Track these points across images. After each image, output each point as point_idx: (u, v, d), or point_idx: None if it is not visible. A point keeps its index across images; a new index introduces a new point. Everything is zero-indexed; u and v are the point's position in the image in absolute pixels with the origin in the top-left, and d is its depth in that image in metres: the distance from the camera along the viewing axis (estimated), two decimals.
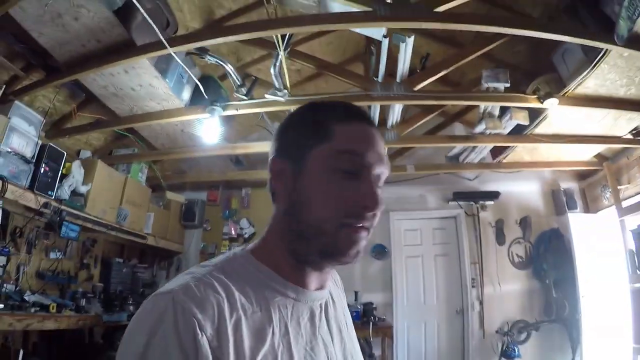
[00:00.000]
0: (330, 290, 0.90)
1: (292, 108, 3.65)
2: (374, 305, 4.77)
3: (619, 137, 4.23)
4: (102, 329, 4.19)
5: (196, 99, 3.63)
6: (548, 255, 4.93)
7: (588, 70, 3.17)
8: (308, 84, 4.80)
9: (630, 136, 4.20)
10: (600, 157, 4.85)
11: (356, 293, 4.71)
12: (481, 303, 5.06)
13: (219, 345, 0.63)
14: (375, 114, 3.90)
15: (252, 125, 4.91)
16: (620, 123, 3.97)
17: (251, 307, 0.71)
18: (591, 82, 3.32)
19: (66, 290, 3.89)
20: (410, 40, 3.08)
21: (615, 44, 2.75)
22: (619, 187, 4.60)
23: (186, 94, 3.61)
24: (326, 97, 3.59)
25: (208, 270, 0.73)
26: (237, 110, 3.60)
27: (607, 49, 2.89)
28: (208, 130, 3.77)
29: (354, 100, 3.47)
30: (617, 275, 4.42)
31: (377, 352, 4.57)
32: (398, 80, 3.45)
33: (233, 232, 5.12)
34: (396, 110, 3.87)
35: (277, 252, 0.78)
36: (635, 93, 3.48)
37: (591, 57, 3.14)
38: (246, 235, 5.10)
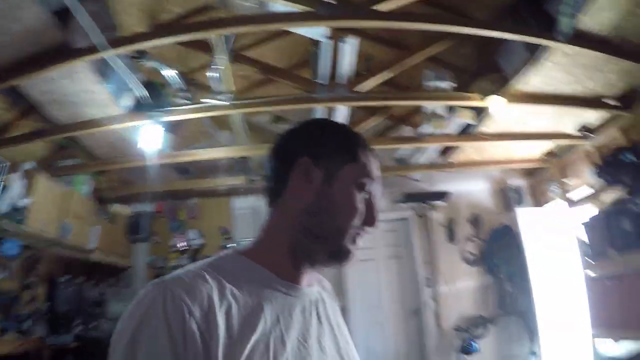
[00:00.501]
0: (321, 292, 1.00)
1: (235, 112, 3.75)
2: None
3: (565, 134, 4.48)
4: (50, 352, 4.12)
5: (138, 105, 3.65)
6: (500, 251, 5.17)
7: (531, 68, 3.34)
8: (257, 91, 4.88)
9: (575, 133, 4.44)
10: (547, 155, 5.10)
11: None
12: (436, 301, 5.25)
13: (208, 329, 0.68)
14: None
15: (199, 133, 4.99)
16: (565, 120, 4.21)
17: (242, 298, 0.77)
18: (535, 80, 3.50)
19: (9, 312, 3.76)
20: (352, 41, 3.21)
21: (558, 41, 2.92)
22: (566, 182, 4.87)
23: (128, 100, 3.64)
24: (270, 99, 3.73)
25: (200, 266, 0.80)
26: (179, 116, 3.69)
27: (549, 46, 3.06)
28: (149, 137, 3.78)
29: (298, 103, 3.64)
30: (569, 265, 4.65)
31: None
32: (342, 82, 3.57)
33: (181, 245, 5.10)
34: (341, 111, 3.98)
35: (275, 250, 0.88)
36: (579, 90, 3.69)
37: (535, 56, 3.30)
38: (195, 247, 5.10)
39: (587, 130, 4.45)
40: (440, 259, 5.39)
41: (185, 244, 5.13)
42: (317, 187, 0.87)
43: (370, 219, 0.89)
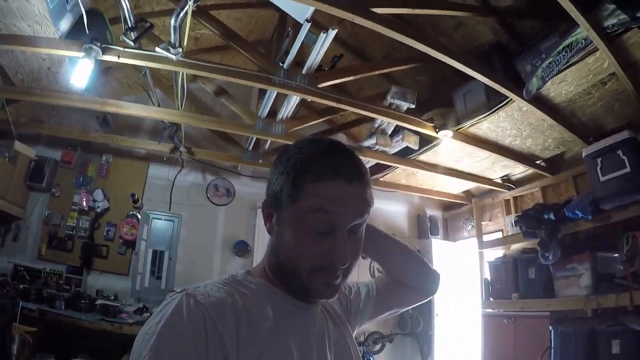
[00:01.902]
0: (330, 308, 1.01)
1: (182, 71, 3.19)
2: None
3: (490, 180, 4.65)
4: None
5: (75, 34, 2.92)
6: None
7: (488, 113, 3.40)
8: (203, 56, 4.34)
9: (499, 181, 4.66)
10: (468, 194, 5.25)
11: None
12: None
13: (225, 330, 0.72)
14: (269, 103, 3.68)
15: (131, 86, 4.32)
16: (495, 167, 4.38)
17: (253, 307, 0.79)
18: (485, 125, 3.57)
19: None
20: (333, 33, 2.92)
21: (522, 97, 3.02)
22: (481, 222, 5.00)
23: (65, 24, 2.88)
24: (226, 68, 3.21)
25: (214, 281, 0.84)
26: (118, 57, 2.94)
27: (511, 99, 3.14)
28: (79, 72, 3.02)
29: (253, 80, 3.21)
30: (470, 299, 4.76)
31: None
32: (304, 71, 3.24)
33: (84, 204, 4.28)
34: (291, 103, 3.66)
35: (277, 276, 0.87)
36: (518, 145, 3.89)
37: (492, 104, 3.38)
38: (99, 210, 4.32)
39: (509, 182, 4.69)
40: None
41: (89, 203, 4.33)
42: (274, 227, 0.85)
43: (332, 258, 0.79)
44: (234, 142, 4.74)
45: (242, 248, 4.81)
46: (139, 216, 4.43)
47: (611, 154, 3.21)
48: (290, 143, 0.89)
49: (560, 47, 2.75)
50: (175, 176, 4.64)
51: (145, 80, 3.56)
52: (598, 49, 2.59)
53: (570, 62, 2.75)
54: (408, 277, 1.21)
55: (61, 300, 3.39)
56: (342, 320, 1.04)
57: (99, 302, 3.63)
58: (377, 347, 4.85)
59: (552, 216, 3.72)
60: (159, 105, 3.85)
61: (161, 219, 4.55)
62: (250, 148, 4.54)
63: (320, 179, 0.78)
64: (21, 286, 3.40)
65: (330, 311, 1.00)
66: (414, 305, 1.30)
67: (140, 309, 3.89)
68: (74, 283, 3.96)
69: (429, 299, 1.26)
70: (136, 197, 4.36)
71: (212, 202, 4.82)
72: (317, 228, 0.79)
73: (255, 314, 0.78)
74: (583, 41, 2.62)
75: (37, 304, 3.27)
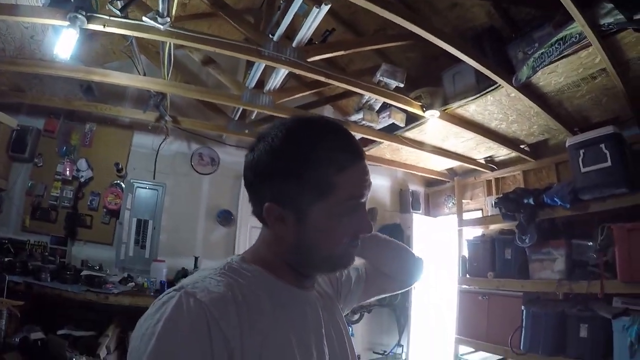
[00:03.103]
0: (323, 291, 1.03)
1: (170, 41, 3.07)
2: None
3: (474, 160, 4.71)
4: None
5: (58, 1, 2.77)
6: None
7: (476, 96, 3.39)
8: (189, 23, 4.15)
9: (483, 161, 4.72)
10: (451, 171, 5.31)
11: (196, 259, 4.34)
12: None
13: (227, 327, 0.71)
14: (257, 74, 3.62)
15: (116, 52, 4.16)
16: (480, 148, 4.42)
17: (252, 299, 0.79)
18: (472, 107, 3.57)
19: None
20: (326, 8, 2.85)
21: (511, 84, 3.03)
22: (462, 200, 5.06)
23: None
24: (215, 40, 3.12)
25: (210, 273, 0.82)
26: (104, 26, 2.78)
27: (500, 84, 3.13)
28: (63, 42, 2.87)
29: (241, 53, 3.10)
30: (448, 274, 4.89)
31: None
32: (294, 45, 3.18)
33: (68, 173, 4.19)
34: (279, 75, 3.59)
35: (277, 263, 0.88)
36: (503, 129, 3.93)
37: (481, 86, 3.37)
38: (82, 179, 4.23)
39: (492, 163, 4.75)
40: None
41: (72, 173, 4.24)
42: (292, 227, 0.84)
43: (362, 230, 0.87)
44: (220, 112, 4.65)
45: (225, 217, 4.80)
46: (123, 185, 4.38)
47: (594, 147, 3.24)
48: (275, 115, 0.88)
49: (554, 39, 2.73)
50: (160, 145, 4.57)
51: (130, 48, 3.45)
52: (591, 45, 2.58)
53: (563, 55, 2.74)
54: (395, 272, 1.30)
55: (47, 272, 3.37)
56: (334, 301, 1.07)
57: (84, 272, 3.62)
58: (356, 317, 4.99)
59: (531, 201, 3.79)
60: (144, 74, 3.74)
61: (145, 188, 4.48)
62: (237, 118, 4.48)
63: (345, 167, 0.82)
64: (6, 259, 3.36)
65: (323, 294, 1.02)
66: (400, 292, 1.39)
67: (125, 278, 3.90)
68: (58, 254, 3.94)
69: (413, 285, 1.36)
70: (120, 166, 4.29)
71: (197, 171, 4.76)
72: (348, 211, 0.83)
73: (255, 306, 0.78)
74: (577, 36, 2.60)
75: (22, 277, 3.24)
